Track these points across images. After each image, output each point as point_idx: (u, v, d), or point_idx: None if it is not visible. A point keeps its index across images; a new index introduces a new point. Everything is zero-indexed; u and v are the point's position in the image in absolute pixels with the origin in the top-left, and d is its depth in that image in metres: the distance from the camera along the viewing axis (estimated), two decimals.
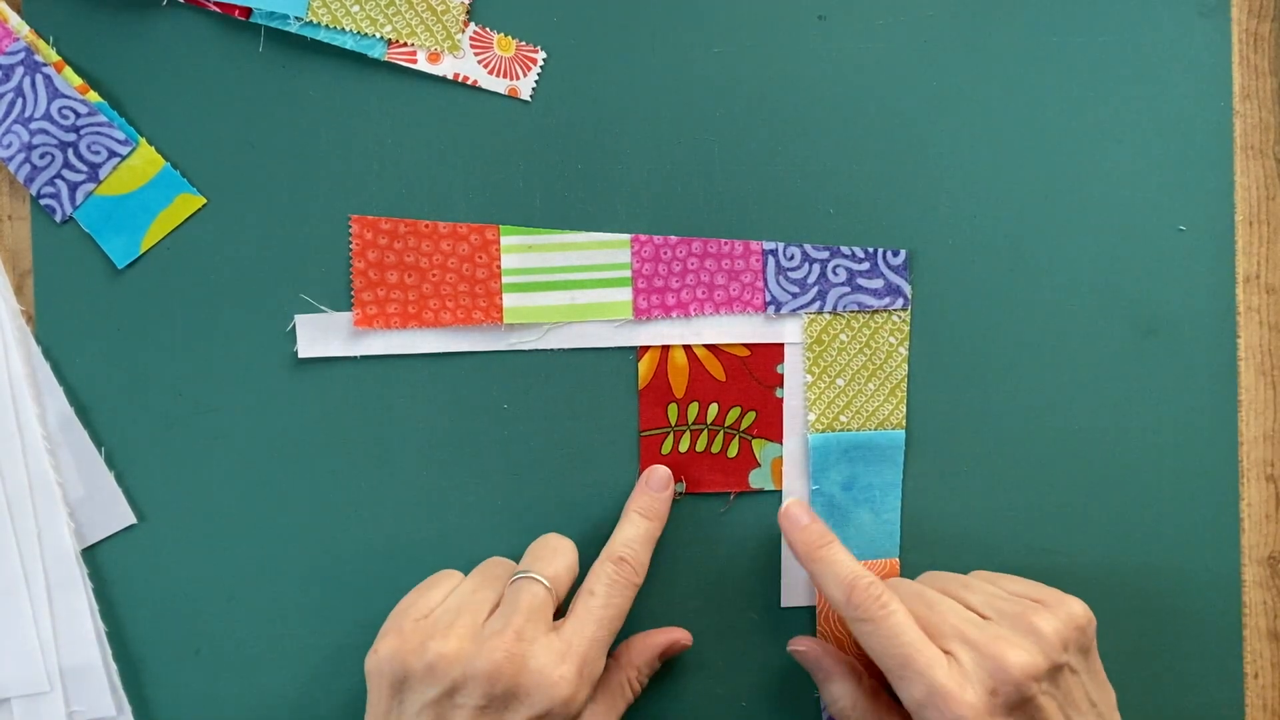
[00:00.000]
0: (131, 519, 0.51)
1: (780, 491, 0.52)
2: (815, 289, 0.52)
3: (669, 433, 0.52)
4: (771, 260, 0.52)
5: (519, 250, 0.51)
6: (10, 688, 0.50)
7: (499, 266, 0.51)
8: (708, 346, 0.52)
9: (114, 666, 0.51)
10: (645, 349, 0.52)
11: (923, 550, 0.53)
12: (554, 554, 0.47)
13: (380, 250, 0.51)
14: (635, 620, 0.51)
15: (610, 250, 0.51)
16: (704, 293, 0.52)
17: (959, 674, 0.43)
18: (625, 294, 0.51)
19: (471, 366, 0.51)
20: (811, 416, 0.52)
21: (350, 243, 0.51)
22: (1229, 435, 0.53)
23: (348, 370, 0.51)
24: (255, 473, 0.51)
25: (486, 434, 0.52)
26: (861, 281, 0.52)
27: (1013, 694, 0.43)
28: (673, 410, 0.52)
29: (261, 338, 0.51)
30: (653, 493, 0.50)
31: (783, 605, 0.52)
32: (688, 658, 0.52)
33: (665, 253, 0.52)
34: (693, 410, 0.52)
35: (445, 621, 0.44)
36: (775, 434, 0.52)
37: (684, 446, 0.52)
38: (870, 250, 0.52)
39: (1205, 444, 0.53)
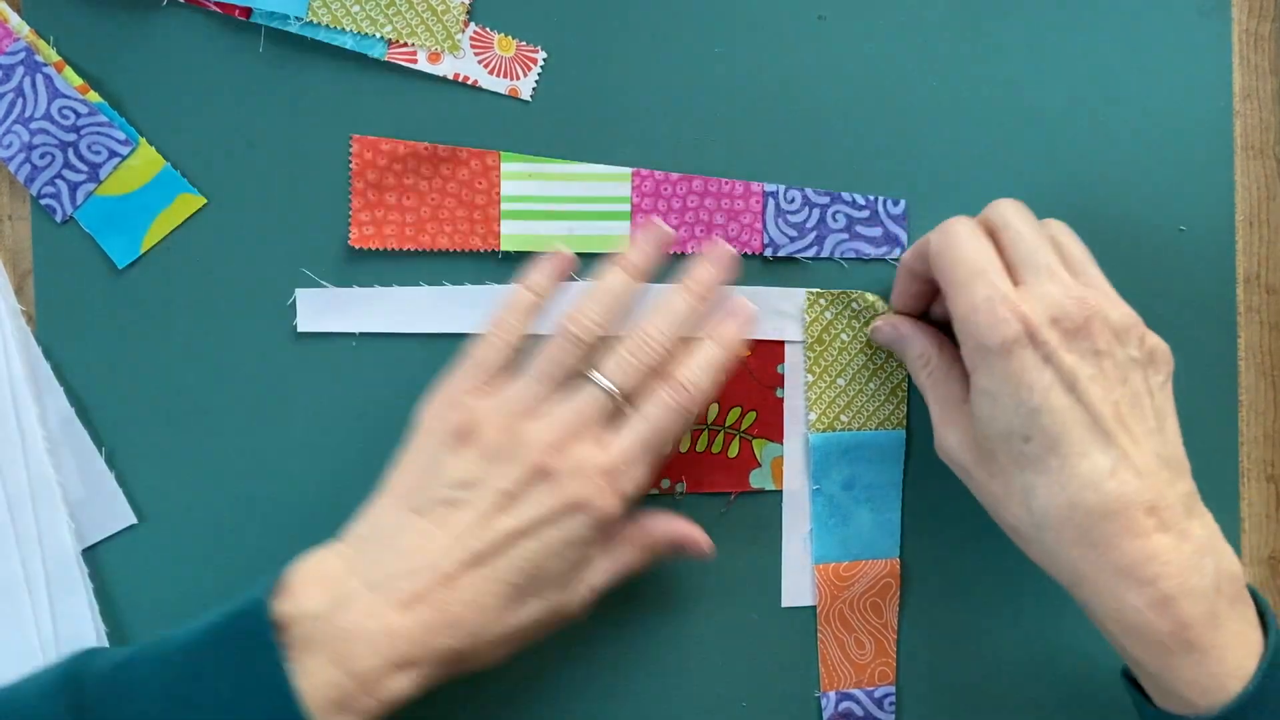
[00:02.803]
0: (132, 519, 0.51)
1: (781, 491, 0.52)
2: (814, 234, 0.52)
3: None
4: (771, 202, 0.52)
5: (520, 177, 0.51)
6: None
7: (499, 193, 0.51)
8: None
9: None
10: None
11: (923, 550, 0.53)
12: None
13: (380, 171, 0.51)
14: (638, 613, 0.51)
15: (611, 184, 0.51)
16: (702, 231, 0.52)
17: (1025, 291, 0.43)
18: (624, 228, 0.51)
19: None
20: (812, 416, 0.52)
21: (350, 163, 0.51)
22: (1229, 435, 0.53)
23: (349, 370, 0.51)
24: (256, 472, 0.51)
25: None
26: (860, 229, 0.52)
27: (1076, 318, 0.42)
28: None
29: (262, 337, 0.51)
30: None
31: (783, 605, 0.52)
32: (688, 658, 0.52)
33: (666, 189, 0.51)
34: None
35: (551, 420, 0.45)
36: (775, 434, 0.52)
37: (684, 446, 0.52)
38: (870, 198, 0.52)
39: (1205, 444, 0.53)
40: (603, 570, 0.46)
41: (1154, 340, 0.45)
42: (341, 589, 0.43)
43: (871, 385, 0.52)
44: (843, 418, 0.52)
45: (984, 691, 0.54)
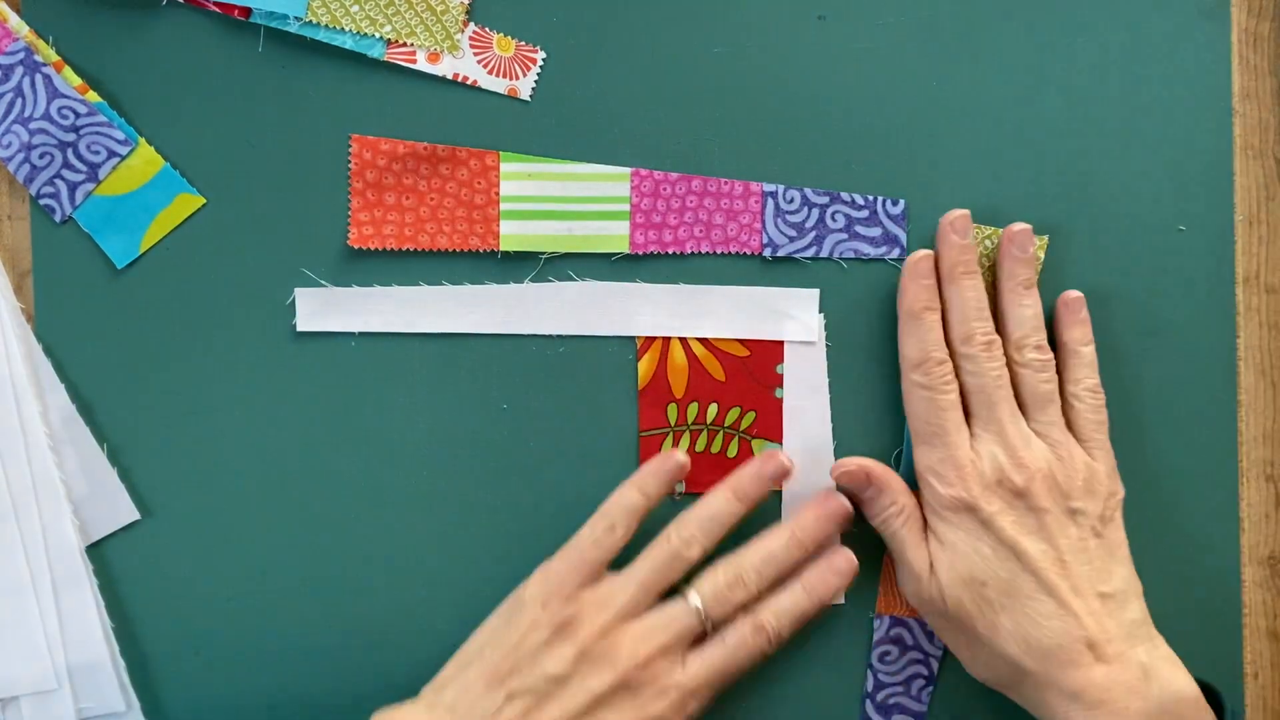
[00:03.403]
0: (135, 515, 0.51)
1: (780, 491, 0.52)
2: (813, 234, 0.52)
3: (669, 433, 0.52)
4: (770, 202, 0.52)
5: (519, 178, 0.51)
6: (19, 685, 0.50)
7: (498, 193, 0.51)
8: (707, 346, 0.52)
9: (121, 663, 0.51)
10: (646, 346, 0.52)
11: None
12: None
13: (379, 171, 0.51)
14: None
15: (610, 183, 0.51)
16: (701, 231, 0.52)
17: (976, 454, 0.48)
18: (623, 227, 0.52)
19: (473, 361, 0.51)
20: None
21: (349, 163, 0.51)
22: (1229, 435, 0.53)
23: (349, 369, 0.51)
24: (256, 469, 0.51)
25: (487, 435, 0.52)
26: (859, 229, 0.52)
27: (1018, 483, 0.47)
28: (672, 410, 0.52)
29: (261, 337, 0.51)
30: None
31: None
32: None
33: (665, 189, 0.52)
34: (692, 410, 0.52)
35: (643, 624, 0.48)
36: (775, 434, 0.52)
37: (684, 447, 0.52)
38: (870, 198, 0.52)
39: (1205, 444, 0.53)
40: None
41: (1103, 481, 0.49)
42: None
43: None
44: None
45: None
